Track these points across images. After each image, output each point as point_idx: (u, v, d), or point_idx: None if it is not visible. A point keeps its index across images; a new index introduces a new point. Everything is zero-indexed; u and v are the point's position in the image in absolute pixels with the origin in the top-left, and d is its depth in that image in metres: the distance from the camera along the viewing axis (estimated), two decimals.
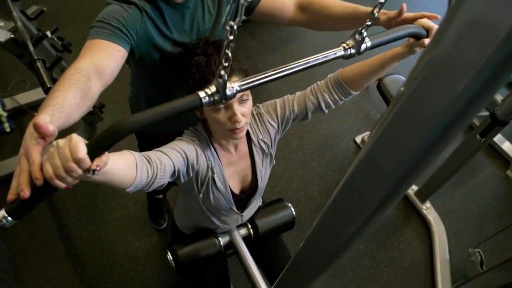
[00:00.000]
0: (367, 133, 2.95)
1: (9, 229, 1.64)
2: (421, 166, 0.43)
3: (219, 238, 1.44)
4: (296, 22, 1.32)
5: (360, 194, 0.55)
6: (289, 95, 1.26)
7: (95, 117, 2.26)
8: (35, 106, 2.70)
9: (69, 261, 2.17)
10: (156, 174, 0.97)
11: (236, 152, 1.24)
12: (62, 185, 0.65)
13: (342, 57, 0.82)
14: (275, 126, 1.26)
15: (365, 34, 0.82)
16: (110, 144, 0.64)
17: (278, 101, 1.26)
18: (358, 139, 2.92)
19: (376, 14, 0.79)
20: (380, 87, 2.42)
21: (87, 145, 0.64)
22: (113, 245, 2.23)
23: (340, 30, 1.28)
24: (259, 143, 1.27)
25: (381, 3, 0.77)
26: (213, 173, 1.19)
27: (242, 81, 0.70)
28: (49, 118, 0.74)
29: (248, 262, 1.46)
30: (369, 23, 0.80)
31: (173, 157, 1.04)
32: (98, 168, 0.65)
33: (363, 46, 0.84)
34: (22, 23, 1.91)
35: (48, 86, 1.61)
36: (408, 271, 2.37)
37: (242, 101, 1.08)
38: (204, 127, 1.20)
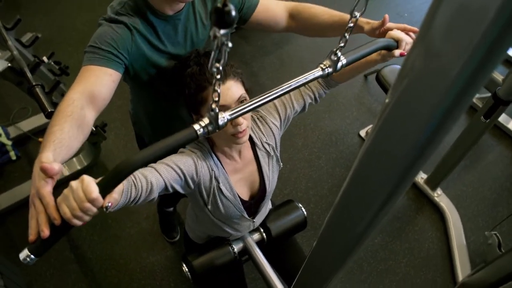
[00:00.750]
0: (371, 126, 2.94)
1: None
2: (426, 151, 0.42)
3: (233, 245, 1.43)
4: (287, 29, 1.37)
5: (368, 186, 0.54)
6: (285, 95, 1.27)
7: (99, 137, 2.27)
8: (39, 132, 2.72)
9: (86, 282, 2.17)
10: (140, 195, 0.96)
11: (241, 158, 1.24)
12: (79, 223, 0.72)
13: (321, 76, 0.89)
14: (278, 125, 1.28)
15: (339, 54, 0.88)
16: (117, 183, 0.71)
17: (276, 102, 1.27)
18: (363, 132, 2.91)
19: (347, 36, 0.84)
20: (379, 79, 2.41)
21: (97, 184, 0.71)
22: (128, 262, 2.23)
23: (330, 37, 1.33)
24: (263, 146, 1.27)
25: (350, 27, 0.82)
26: (218, 182, 1.18)
27: (232, 110, 0.77)
28: (52, 155, 0.81)
29: (264, 267, 1.45)
30: (342, 44, 0.85)
31: (165, 174, 1.04)
32: (110, 205, 0.73)
33: (339, 65, 0.90)
34: (18, 51, 1.92)
35: (49, 110, 1.62)
36: (426, 260, 2.35)
37: (241, 103, 1.08)
38: (205, 137, 1.20)
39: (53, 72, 2.27)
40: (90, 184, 0.69)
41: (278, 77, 3.25)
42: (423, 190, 2.60)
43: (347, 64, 0.92)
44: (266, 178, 1.30)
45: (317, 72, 0.88)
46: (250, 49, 3.45)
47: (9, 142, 2.57)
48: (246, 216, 1.33)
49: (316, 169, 2.72)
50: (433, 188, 2.55)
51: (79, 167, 2.53)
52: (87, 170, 2.54)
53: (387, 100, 0.44)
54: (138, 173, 0.99)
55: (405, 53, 1.05)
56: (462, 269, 2.26)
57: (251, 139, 1.25)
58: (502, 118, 2.99)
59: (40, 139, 2.67)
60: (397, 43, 1.06)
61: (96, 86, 1.04)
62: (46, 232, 0.72)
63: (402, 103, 0.42)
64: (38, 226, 0.72)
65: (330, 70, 0.89)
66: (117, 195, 0.74)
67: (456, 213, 2.49)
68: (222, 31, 0.52)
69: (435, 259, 2.36)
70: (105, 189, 0.71)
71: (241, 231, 1.41)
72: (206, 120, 0.73)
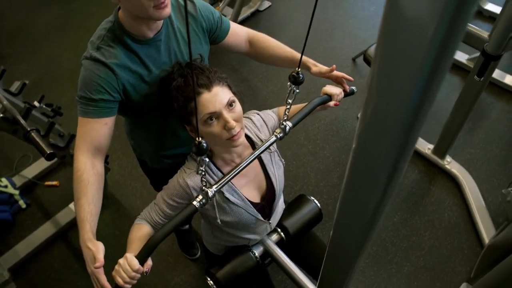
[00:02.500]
0: None
1: None
2: (421, 108, 0.42)
3: (253, 250, 1.43)
4: (245, 53, 1.53)
5: (370, 159, 0.54)
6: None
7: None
8: (43, 176, 2.73)
9: None
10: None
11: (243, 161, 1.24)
12: (128, 286, 1.02)
13: (276, 141, 1.17)
14: (275, 117, 1.35)
15: (285, 123, 1.17)
16: (149, 254, 1.03)
17: (281, 108, 1.41)
18: None
19: (289, 106, 1.14)
20: (367, 59, 2.41)
21: (136, 257, 1.01)
22: (154, 287, 2.23)
23: (278, 66, 1.53)
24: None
25: (288, 108, 1.14)
26: (222, 193, 1.19)
27: (215, 184, 1.07)
28: (92, 234, 1.11)
29: (288, 266, 1.44)
30: (287, 113, 1.15)
31: (168, 213, 1.21)
32: (147, 270, 1.05)
33: (287, 128, 1.18)
34: (8, 101, 1.93)
35: (48, 152, 1.62)
36: (449, 229, 2.33)
37: (230, 107, 1.09)
38: None
39: (47, 115, 2.28)
40: (133, 259, 1.00)
41: (268, 78, 3.25)
42: (432, 160, 2.59)
43: (293, 126, 1.20)
44: (272, 176, 1.29)
45: (273, 139, 1.17)
46: (235, 56, 3.45)
47: (16, 192, 2.59)
48: (261, 218, 1.32)
49: (323, 160, 2.71)
50: (442, 157, 2.53)
51: None
52: None
53: (371, 69, 0.44)
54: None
55: (338, 103, 1.36)
56: (487, 231, 2.24)
57: (249, 140, 1.25)
58: (497, 75, 2.98)
59: (46, 183, 2.68)
60: (330, 96, 1.33)
61: (97, 140, 1.20)
62: None
63: (388, 63, 0.41)
64: None
65: (281, 135, 1.17)
66: (150, 261, 1.05)
67: (469, 176, 2.47)
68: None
69: (458, 227, 2.34)
70: (143, 260, 1.02)
71: (259, 234, 1.40)
72: (200, 197, 1.03)
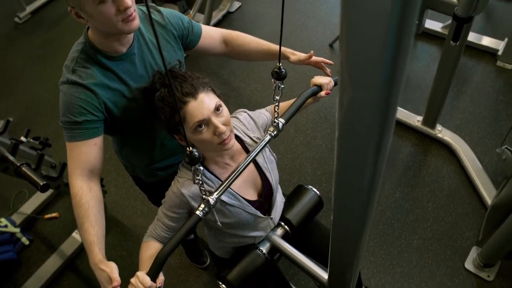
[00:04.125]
0: None
1: None
2: (395, 73, 0.42)
3: (260, 248, 1.42)
4: (221, 54, 1.52)
5: (356, 132, 0.54)
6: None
7: None
8: (42, 210, 2.71)
9: None
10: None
11: (235, 162, 1.24)
12: None
13: (271, 138, 1.16)
14: (268, 115, 1.35)
15: (277, 120, 1.17)
16: (160, 268, 1.02)
17: (268, 108, 1.42)
18: None
19: (278, 103, 1.17)
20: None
21: (147, 274, 1.00)
22: None
23: (256, 61, 1.57)
24: (253, 141, 1.27)
25: (277, 102, 1.16)
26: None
27: (216, 191, 1.04)
28: (102, 256, 1.10)
29: (298, 258, 1.44)
30: (277, 111, 1.17)
31: (170, 226, 1.20)
32: (161, 285, 1.04)
33: (280, 125, 1.17)
34: None
35: (42, 184, 1.61)
36: (451, 197, 2.35)
37: (217, 111, 1.09)
38: None
39: (35, 148, 2.26)
40: (144, 277, 0.99)
41: (249, 76, 3.25)
42: (423, 131, 2.60)
43: (286, 122, 1.18)
44: (266, 171, 1.29)
45: (267, 138, 1.15)
46: (213, 60, 3.45)
47: (17, 230, 2.56)
48: (261, 215, 1.32)
49: (316, 149, 2.71)
50: (432, 127, 2.55)
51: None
52: None
53: (340, 45, 0.44)
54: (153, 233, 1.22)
55: (330, 92, 1.34)
56: (488, 192, 2.26)
57: (239, 139, 1.25)
58: (474, 38, 3.00)
59: (46, 216, 2.66)
60: (320, 87, 1.33)
61: (89, 162, 1.19)
62: None
63: (354, 39, 0.41)
64: None
65: (275, 132, 1.16)
66: (162, 276, 1.04)
67: (462, 141, 2.49)
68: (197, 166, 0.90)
69: (459, 192, 2.36)
70: (154, 276, 1.01)
71: (263, 231, 1.40)
72: (202, 206, 1.01)
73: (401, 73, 0.43)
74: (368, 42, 0.40)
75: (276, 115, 1.15)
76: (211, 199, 1.00)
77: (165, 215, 1.19)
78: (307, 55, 1.39)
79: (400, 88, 0.45)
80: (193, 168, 0.91)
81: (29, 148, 2.22)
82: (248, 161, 1.10)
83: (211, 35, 1.45)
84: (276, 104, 1.14)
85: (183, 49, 1.39)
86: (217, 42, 1.48)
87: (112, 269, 1.05)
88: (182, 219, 1.20)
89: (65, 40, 4.02)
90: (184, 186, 1.16)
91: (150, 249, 1.18)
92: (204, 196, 0.99)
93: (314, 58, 1.39)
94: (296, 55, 1.41)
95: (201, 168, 0.89)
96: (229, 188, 1.22)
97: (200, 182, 0.95)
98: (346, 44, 0.42)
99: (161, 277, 1.03)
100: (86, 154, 1.19)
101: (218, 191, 1.03)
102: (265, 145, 1.14)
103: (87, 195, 1.16)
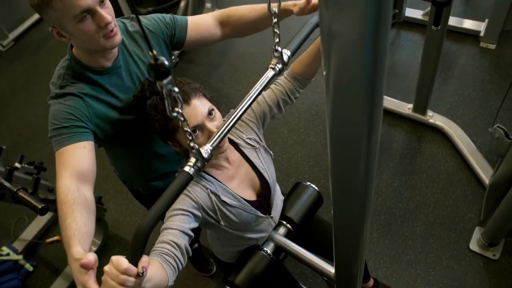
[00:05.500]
0: None
1: None
2: (378, 53, 0.43)
3: (265, 248, 1.42)
4: (223, 37, 1.39)
5: (345, 117, 0.54)
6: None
7: (100, 212, 2.25)
8: (43, 234, 2.69)
9: None
10: (177, 257, 1.03)
11: (231, 164, 1.24)
12: None
13: (275, 75, 0.90)
14: (255, 121, 1.29)
15: (279, 49, 0.87)
16: (142, 248, 0.75)
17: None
18: None
19: (277, 31, 0.82)
20: None
21: (126, 257, 0.76)
22: None
23: (264, 29, 1.36)
24: (246, 142, 1.27)
25: (276, 22, 0.81)
26: (218, 196, 1.18)
27: (210, 142, 0.80)
28: (81, 248, 0.90)
29: (303, 255, 1.44)
30: (277, 40, 0.85)
31: (180, 226, 1.07)
32: (144, 269, 0.76)
33: (285, 57, 0.90)
34: None
35: (40, 207, 1.61)
36: (449, 180, 2.36)
37: (210, 116, 1.09)
38: None
39: (31, 173, 2.25)
40: (119, 259, 0.75)
41: (237, 81, 3.26)
42: (415, 119, 2.62)
43: (292, 53, 0.93)
44: (263, 170, 1.30)
45: (270, 73, 0.89)
46: (200, 69, 3.46)
47: (20, 257, 2.54)
48: (261, 214, 1.32)
49: (311, 147, 2.72)
50: (423, 113, 2.57)
51: (95, 249, 2.50)
52: (104, 247, 2.52)
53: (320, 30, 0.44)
54: (163, 246, 1.03)
55: None
56: (485, 172, 2.27)
57: (232, 141, 1.26)
58: (455, 22, 3.03)
59: (48, 240, 2.64)
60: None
61: (78, 164, 1.08)
62: None
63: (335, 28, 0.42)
64: None
65: (280, 66, 0.89)
66: (147, 258, 0.78)
67: (454, 125, 2.50)
68: (165, 81, 0.56)
69: (456, 175, 2.37)
70: (134, 257, 0.76)
71: (265, 231, 1.40)
72: (193, 160, 0.76)
73: (382, 59, 0.43)
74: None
75: (277, 41, 0.85)
76: (205, 151, 0.77)
77: (168, 219, 1.09)
78: (304, 1, 1.21)
79: (383, 73, 0.46)
80: (163, 85, 0.58)
81: (24, 174, 2.20)
82: (250, 99, 0.86)
83: (200, 23, 1.36)
84: (277, 40, 0.86)
85: (176, 49, 1.36)
86: (211, 27, 1.36)
87: (88, 255, 0.82)
88: (186, 221, 1.08)
89: (51, 63, 3.99)
90: (190, 185, 1.12)
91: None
92: (193, 145, 0.74)
93: (314, 1, 1.20)
94: (297, 5, 1.24)
95: (176, 89, 0.59)
96: (229, 189, 1.22)
97: (181, 118, 0.69)
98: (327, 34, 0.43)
99: (144, 259, 0.77)
100: (75, 156, 1.09)
101: (212, 141, 0.80)
102: (267, 82, 0.88)
103: (73, 193, 1.02)
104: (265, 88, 0.88)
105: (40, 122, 3.48)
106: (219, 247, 1.49)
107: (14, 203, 1.81)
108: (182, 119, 0.67)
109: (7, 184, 1.75)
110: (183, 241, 1.06)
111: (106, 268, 0.77)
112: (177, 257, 1.03)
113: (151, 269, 0.87)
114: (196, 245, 2.23)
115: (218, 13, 1.37)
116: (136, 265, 0.76)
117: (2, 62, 4.27)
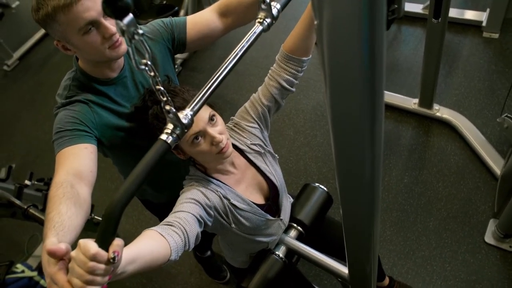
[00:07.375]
0: None
1: None
2: (375, 58, 0.42)
3: (277, 252, 1.41)
4: (226, 29, 1.33)
5: (347, 110, 0.53)
6: (254, 94, 1.30)
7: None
8: None
9: None
10: (185, 229, 0.98)
11: (237, 168, 1.24)
12: None
13: (263, 30, 0.82)
14: (256, 126, 1.28)
15: (267, 1, 0.81)
16: (113, 229, 0.64)
17: (246, 104, 1.29)
18: None
19: None
20: None
21: (95, 241, 0.65)
22: None
23: None
24: (251, 148, 1.26)
25: None
26: (228, 200, 1.17)
27: (190, 106, 0.69)
28: (56, 239, 0.81)
29: (316, 257, 1.42)
30: (266, 2, 0.80)
31: (187, 208, 1.05)
32: (116, 254, 0.66)
33: (274, 11, 0.83)
34: None
35: None
36: (460, 173, 2.33)
37: (211, 121, 1.09)
38: (195, 167, 1.20)
39: (41, 190, 2.27)
40: (86, 243, 0.64)
41: (241, 86, 3.26)
42: (421, 113, 2.60)
43: (282, 7, 0.85)
44: (270, 174, 1.29)
45: (258, 28, 0.81)
46: (203, 76, 3.47)
47: (35, 273, 2.55)
48: (270, 217, 1.31)
49: (318, 148, 2.71)
50: (430, 107, 2.54)
51: None
52: None
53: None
54: (167, 219, 0.99)
55: None
56: (496, 163, 2.24)
57: (236, 147, 1.25)
58: (456, 13, 3.01)
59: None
60: None
61: (77, 162, 1.04)
62: None
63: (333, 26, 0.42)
64: None
65: (268, 20, 0.82)
66: (120, 241, 0.67)
67: (462, 117, 2.48)
68: (125, 21, 0.48)
69: (467, 168, 2.34)
70: (104, 241, 0.65)
71: (275, 234, 1.39)
72: (170, 126, 0.66)
73: (380, 51, 0.43)
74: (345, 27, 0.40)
75: None
76: (184, 116, 0.67)
77: (175, 206, 1.07)
78: None
79: (382, 67, 0.45)
80: (123, 27, 0.53)
81: (34, 191, 2.23)
82: (232, 63, 0.78)
83: (198, 20, 1.32)
84: None
85: (180, 51, 1.34)
86: (211, 21, 1.31)
87: (59, 244, 0.72)
88: (193, 211, 1.05)
89: (55, 80, 4.05)
90: (202, 187, 1.12)
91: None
92: (168, 108, 0.65)
93: None
94: None
95: (140, 31, 0.55)
96: (238, 193, 1.21)
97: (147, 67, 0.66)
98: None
99: (116, 243, 0.66)
100: (75, 156, 1.06)
101: (192, 106, 0.69)
102: (254, 39, 0.79)
103: (65, 188, 0.95)
104: (251, 45, 0.79)
105: (47, 138, 3.49)
106: (231, 252, 1.48)
107: (25, 220, 1.82)
108: (152, 74, 0.63)
109: (17, 202, 1.76)
110: (193, 221, 1.01)
111: (73, 253, 0.67)
112: (185, 230, 0.97)
113: (139, 246, 0.82)
114: (209, 252, 2.23)
115: (216, 4, 1.32)
116: (107, 249, 0.65)
117: (8, 82, 4.32)
